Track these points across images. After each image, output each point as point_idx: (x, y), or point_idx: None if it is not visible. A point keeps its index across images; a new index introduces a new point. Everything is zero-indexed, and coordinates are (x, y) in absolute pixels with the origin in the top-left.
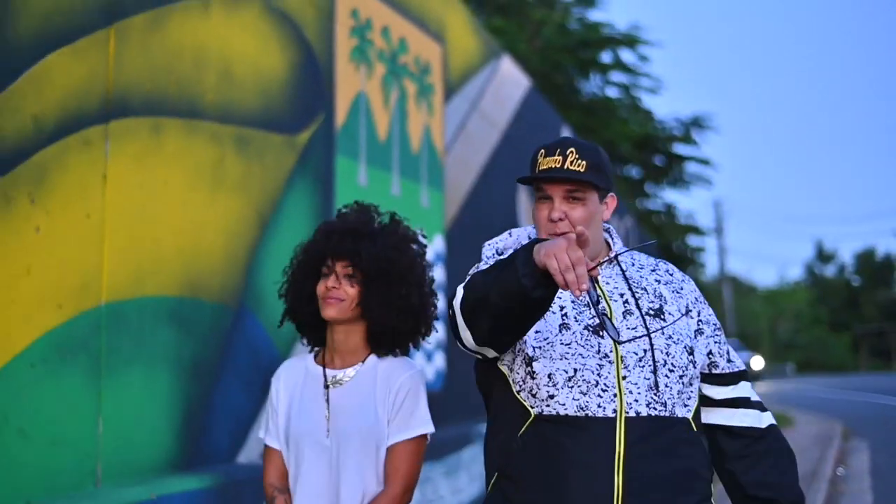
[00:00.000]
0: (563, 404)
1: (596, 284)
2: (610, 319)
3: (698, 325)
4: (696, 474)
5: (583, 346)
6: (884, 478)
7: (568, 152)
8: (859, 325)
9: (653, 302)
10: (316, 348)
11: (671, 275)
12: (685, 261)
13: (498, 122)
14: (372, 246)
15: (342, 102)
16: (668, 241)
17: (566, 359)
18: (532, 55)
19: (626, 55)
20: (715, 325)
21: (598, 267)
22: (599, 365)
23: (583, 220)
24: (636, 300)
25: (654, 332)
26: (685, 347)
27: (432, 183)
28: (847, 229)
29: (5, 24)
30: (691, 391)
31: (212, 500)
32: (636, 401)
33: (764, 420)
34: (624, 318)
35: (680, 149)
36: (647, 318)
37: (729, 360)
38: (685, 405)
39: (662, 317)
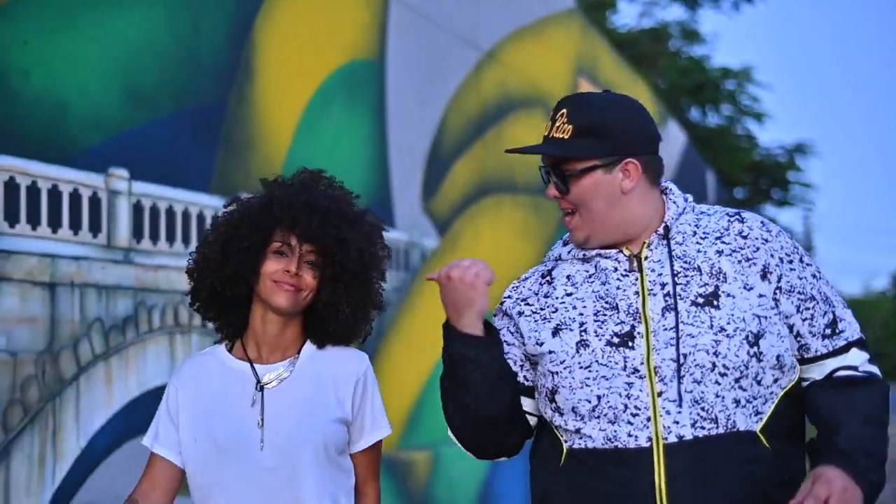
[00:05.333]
0: (591, 436)
1: (640, 276)
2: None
3: (775, 294)
4: (765, 497)
5: (605, 366)
6: None
7: (558, 116)
8: None
9: (705, 285)
10: (226, 340)
11: (744, 237)
12: None
13: (667, 169)
14: (355, 237)
15: None
16: None
17: (587, 385)
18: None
19: (734, 87)
20: (809, 292)
21: (647, 247)
22: (628, 384)
23: (580, 199)
24: (682, 287)
25: (694, 327)
26: (745, 338)
27: None
28: None
29: (441, 148)
30: (761, 393)
31: None
32: (676, 422)
33: (872, 367)
34: (663, 315)
35: (785, 174)
36: (691, 310)
37: (828, 337)
38: (755, 413)
39: (716, 302)
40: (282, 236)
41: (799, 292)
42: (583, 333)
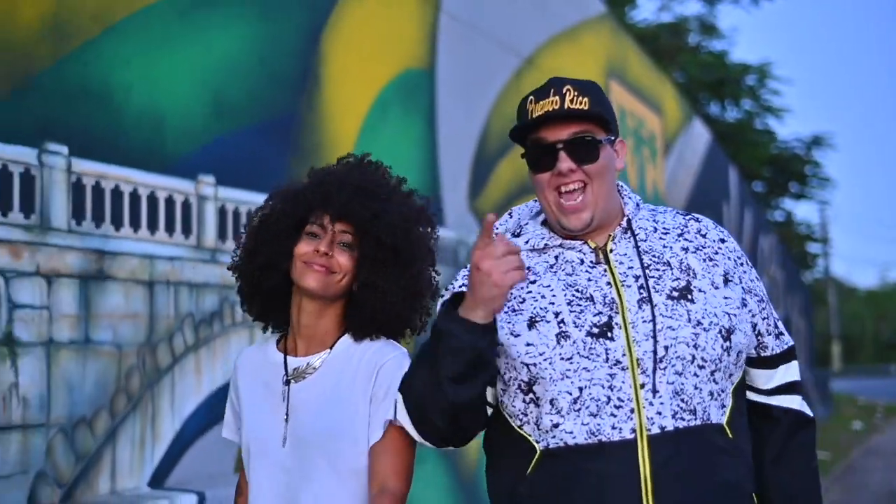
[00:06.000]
0: (571, 432)
1: (609, 268)
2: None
3: (741, 294)
4: (739, 490)
5: (587, 357)
6: None
7: (564, 91)
8: None
9: (677, 279)
10: (279, 332)
11: (703, 236)
12: (803, 267)
13: (692, 166)
14: (389, 211)
15: None
16: (788, 249)
17: (568, 377)
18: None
19: (754, 82)
20: (760, 294)
21: (611, 240)
22: (610, 375)
23: (600, 171)
24: (655, 281)
25: (672, 319)
26: (719, 332)
27: None
28: None
29: (486, 150)
30: (727, 388)
31: None
32: (659, 413)
33: (807, 408)
34: (639, 307)
35: (803, 167)
36: (668, 303)
37: (778, 336)
38: (722, 407)
39: (690, 296)
40: (315, 217)
41: (755, 293)
42: (561, 325)
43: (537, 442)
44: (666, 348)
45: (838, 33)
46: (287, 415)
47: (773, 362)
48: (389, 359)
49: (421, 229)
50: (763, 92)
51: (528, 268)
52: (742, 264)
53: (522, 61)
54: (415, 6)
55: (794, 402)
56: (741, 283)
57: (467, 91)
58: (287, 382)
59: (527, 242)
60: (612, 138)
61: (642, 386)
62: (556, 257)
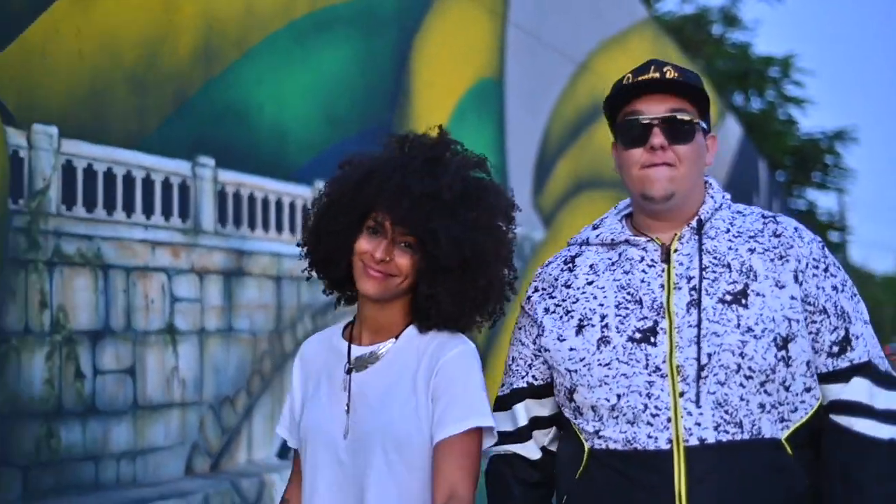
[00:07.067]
0: (611, 438)
1: (667, 269)
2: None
3: (804, 299)
4: None
5: (626, 363)
6: None
7: (665, 70)
8: None
9: (734, 283)
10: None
11: (777, 236)
12: None
13: (725, 160)
14: (451, 223)
15: None
16: None
17: (606, 384)
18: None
19: (777, 74)
20: (814, 304)
21: (677, 239)
22: (649, 383)
23: (690, 155)
24: (709, 283)
25: (720, 325)
26: (773, 340)
27: None
28: None
29: (547, 151)
30: (789, 400)
31: None
32: (698, 424)
33: (884, 432)
34: (687, 311)
35: (824, 157)
36: (718, 307)
37: (832, 355)
38: (780, 420)
39: (744, 301)
40: (377, 213)
41: (809, 303)
42: (604, 329)
43: (586, 441)
44: (709, 356)
45: (851, 30)
46: (348, 405)
47: (831, 378)
48: (453, 354)
49: (493, 236)
50: (786, 82)
51: (592, 265)
52: (814, 267)
53: (578, 66)
54: (487, 19)
55: (851, 395)
56: (803, 287)
57: (531, 97)
58: (348, 371)
59: (598, 236)
60: (706, 126)
61: (682, 394)
62: (620, 254)
